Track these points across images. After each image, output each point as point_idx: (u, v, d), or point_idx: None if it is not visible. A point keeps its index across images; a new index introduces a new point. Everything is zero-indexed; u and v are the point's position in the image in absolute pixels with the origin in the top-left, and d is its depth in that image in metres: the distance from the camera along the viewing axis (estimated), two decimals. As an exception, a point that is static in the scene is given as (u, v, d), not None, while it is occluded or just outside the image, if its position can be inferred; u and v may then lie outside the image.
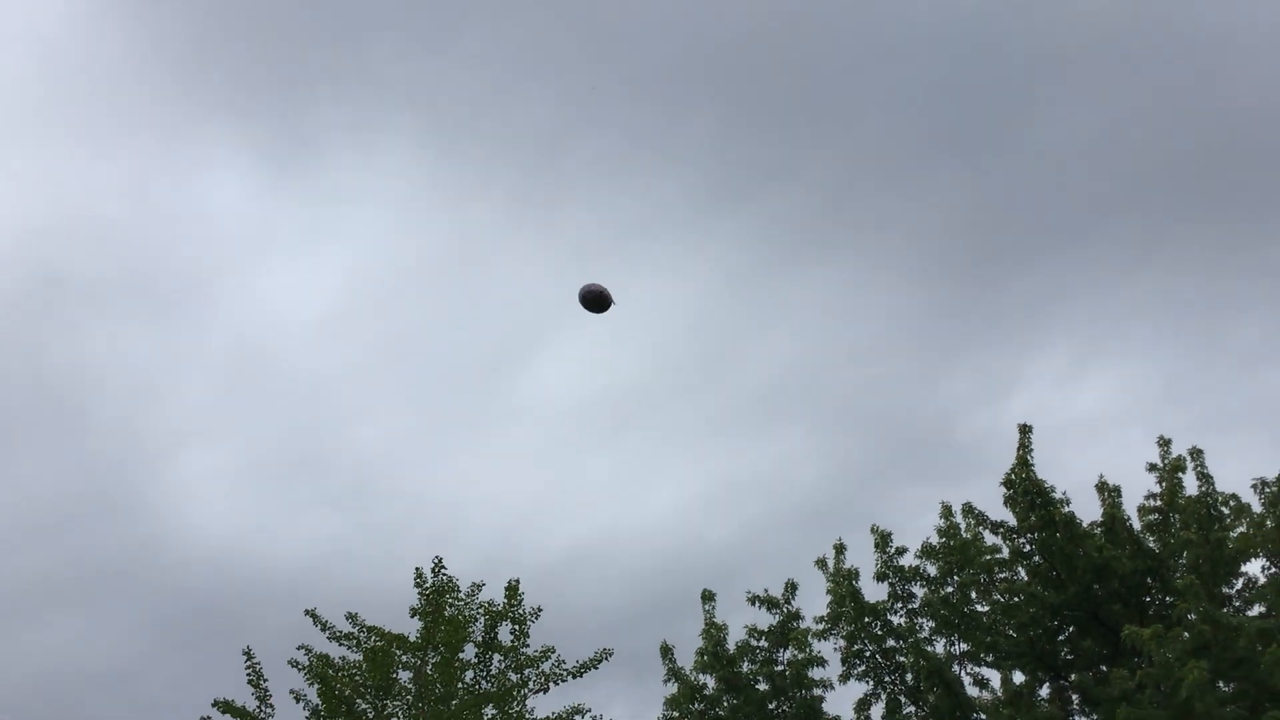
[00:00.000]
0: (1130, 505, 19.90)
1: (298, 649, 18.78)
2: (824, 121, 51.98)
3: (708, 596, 20.55)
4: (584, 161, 51.72)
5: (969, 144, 51.19)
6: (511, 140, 50.87)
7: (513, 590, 19.15)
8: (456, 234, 51.77)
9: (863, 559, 20.37)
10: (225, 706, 18.13)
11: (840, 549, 20.47)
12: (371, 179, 51.53)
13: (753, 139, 52.46)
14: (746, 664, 19.91)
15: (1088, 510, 19.64)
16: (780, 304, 51.03)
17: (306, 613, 18.75)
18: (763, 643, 20.16)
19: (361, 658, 18.55)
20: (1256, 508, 19.83)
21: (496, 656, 18.79)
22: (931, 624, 19.87)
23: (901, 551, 20.16)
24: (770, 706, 19.57)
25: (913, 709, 19.56)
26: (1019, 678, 19.87)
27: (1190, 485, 19.79)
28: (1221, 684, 17.70)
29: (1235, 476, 25.30)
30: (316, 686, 18.46)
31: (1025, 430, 19.53)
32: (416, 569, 19.23)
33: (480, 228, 51.46)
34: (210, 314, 49.07)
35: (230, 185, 49.98)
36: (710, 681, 19.98)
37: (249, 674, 18.47)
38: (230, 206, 50.33)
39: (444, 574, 19.28)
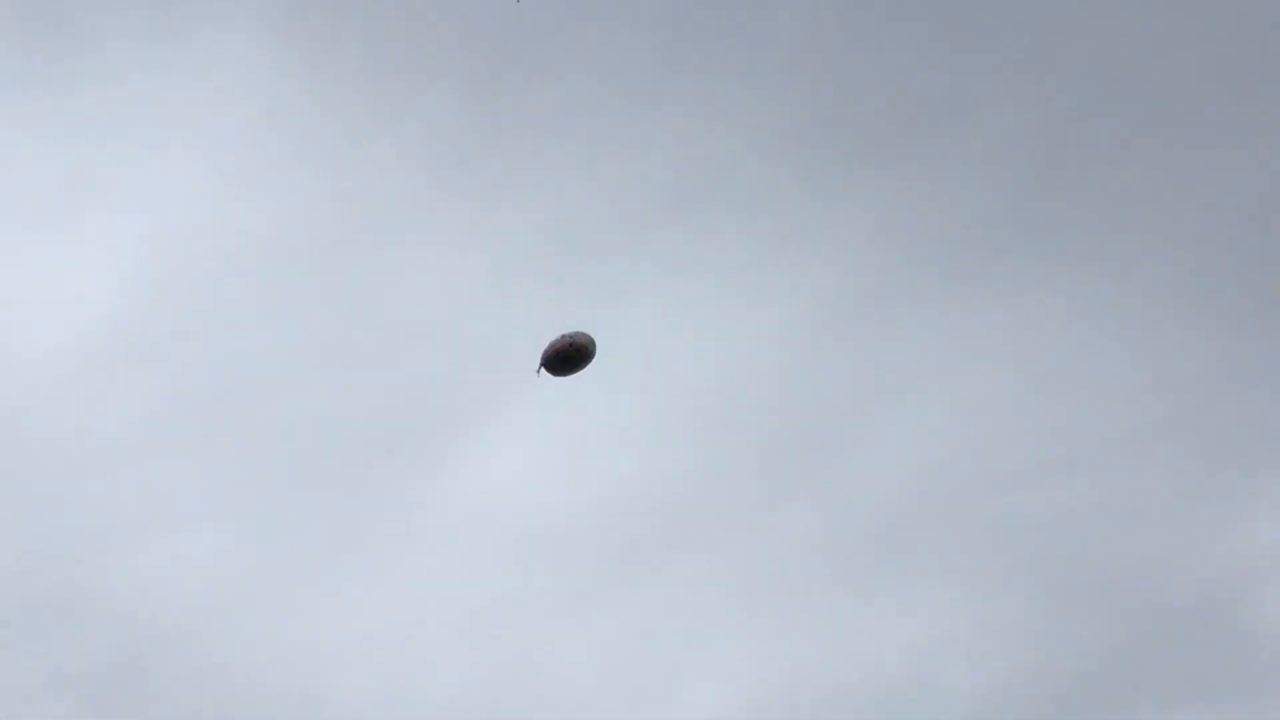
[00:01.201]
0: None
1: None
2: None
3: None
4: (564, 95, 37.75)
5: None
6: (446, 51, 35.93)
7: None
8: (337, 202, 37.32)
9: None
10: None
11: None
12: (180, 100, 35.92)
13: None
14: None
15: None
16: (910, 355, 38.62)
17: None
18: None
19: None
20: None
21: None
22: None
23: None
24: None
25: None
26: None
27: None
28: None
29: None
30: None
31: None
32: None
33: (379, 192, 37.48)
34: None
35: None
36: None
37: None
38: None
39: None
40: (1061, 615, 36.72)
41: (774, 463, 38.33)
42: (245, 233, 37.54)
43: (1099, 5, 39.94)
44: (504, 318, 35.84)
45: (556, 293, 35.94)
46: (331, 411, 37.85)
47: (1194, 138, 39.15)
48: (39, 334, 35.65)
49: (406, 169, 35.96)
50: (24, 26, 35.45)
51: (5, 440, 34.70)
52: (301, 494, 37.31)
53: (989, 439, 38.69)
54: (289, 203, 38.44)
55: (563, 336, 18.43)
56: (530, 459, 37.18)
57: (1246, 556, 35.95)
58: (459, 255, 37.68)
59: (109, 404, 35.39)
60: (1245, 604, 35.95)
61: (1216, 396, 37.89)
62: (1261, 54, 38.56)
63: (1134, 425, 37.70)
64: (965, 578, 37.43)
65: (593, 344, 18.57)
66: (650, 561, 37.25)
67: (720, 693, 35.99)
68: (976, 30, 40.18)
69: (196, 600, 35.56)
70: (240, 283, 37.94)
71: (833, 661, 36.17)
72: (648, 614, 36.79)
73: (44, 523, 34.01)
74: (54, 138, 36.27)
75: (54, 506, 34.15)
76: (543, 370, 18.56)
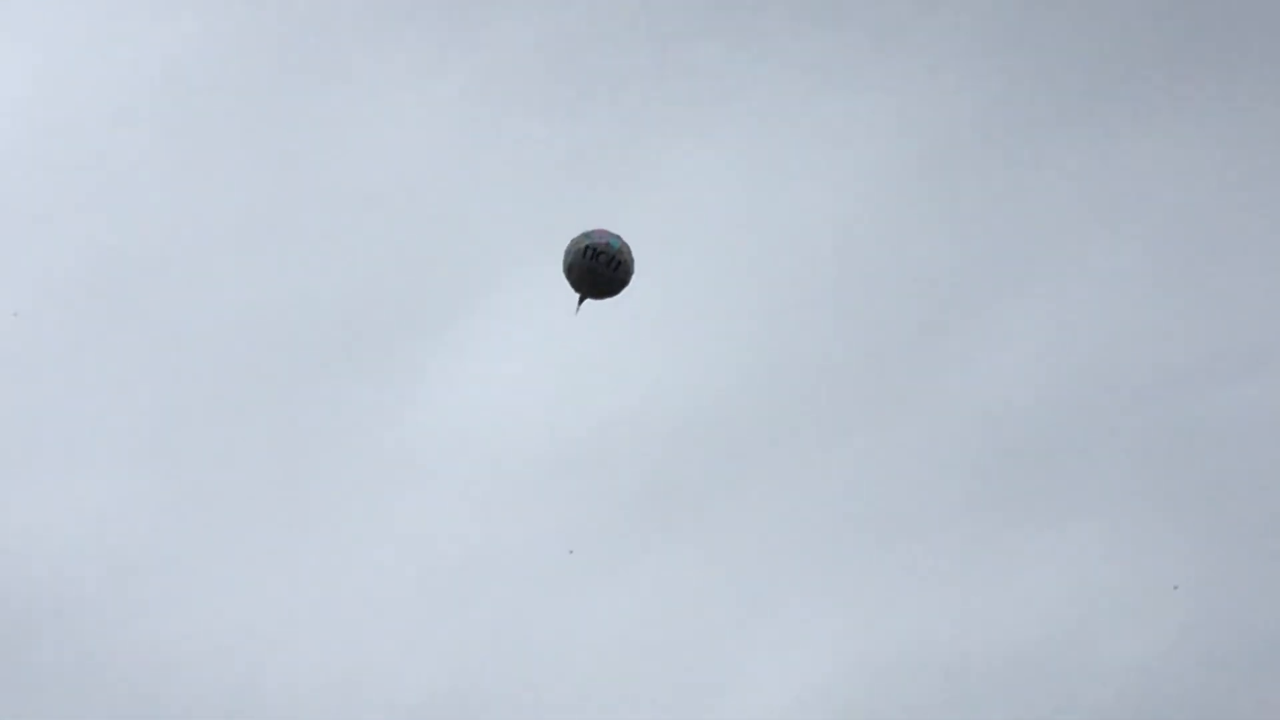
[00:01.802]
0: None
1: None
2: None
3: None
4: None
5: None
6: None
7: None
8: (267, 26, 33.78)
9: None
10: None
11: None
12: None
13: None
14: None
15: None
16: (1043, 211, 36.20)
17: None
18: None
19: None
20: None
21: None
22: None
23: None
24: None
25: None
26: None
27: None
28: None
29: None
30: None
31: None
32: None
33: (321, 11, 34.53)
34: None
35: None
36: None
37: None
38: None
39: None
40: (1259, 561, 30.97)
41: (856, 365, 33.64)
42: (152, 62, 31.82)
43: None
44: (489, 168, 31.39)
45: (558, 133, 31.34)
46: (264, 305, 32.89)
47: None
48: None
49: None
50: None
51: None
52: (225, 415, 32.30)
53: (1154, 324, 33.77)
54: (205, 22, 32.63)
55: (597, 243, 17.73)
56: (530, 365, 32.28)
57: None
58: (429, 87, 32.42)
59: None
60: None
61: None
62: None
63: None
64: (1125, 513, 32.11)
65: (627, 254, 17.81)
66: (691, 499, 32.24)
67: (788, 673, 31.05)
68: None
69: (85, 561, 30.53)
70: (143, 128, 32.20)
71: (941, 627, 32.10)
72: (688, 569, 31.49)
73: None
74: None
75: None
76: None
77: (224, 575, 31.13)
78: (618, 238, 20.90)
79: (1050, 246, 34.57)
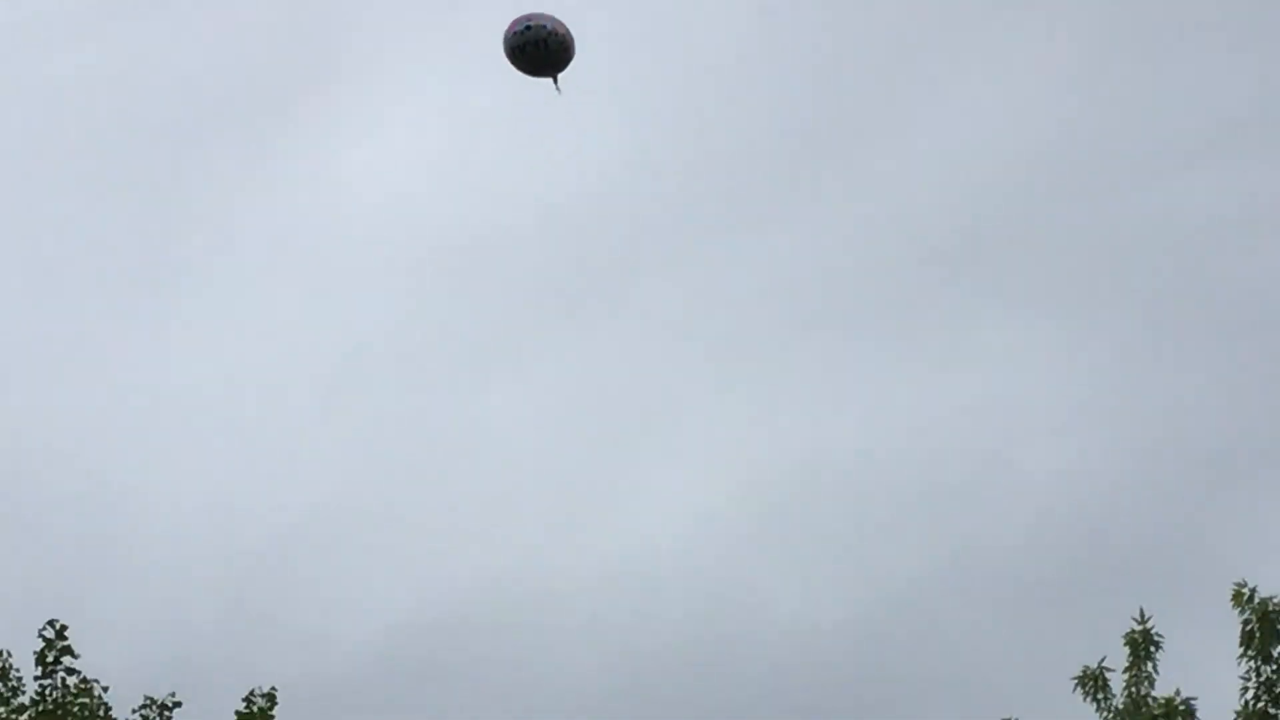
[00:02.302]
0: None
1: None
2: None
3: None
4: None
5: None
6: None
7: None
8: None
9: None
10: None
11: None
12: None
13: None
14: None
15: None
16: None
17: None
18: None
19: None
20: None
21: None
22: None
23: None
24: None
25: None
26: None
27: None
28: None
29: None
30: None
31: None
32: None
33: None
34: None
35: None
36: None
37: None
38: None
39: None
40: (1191, 366, 29.58)
41: (781, 159, 32.00)
42: None
43: None
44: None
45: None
46: (124, 72, 29.85)
47: None
48: None
49: None
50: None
51: None
52: (81, 190, 30.34)
53: (1081, 115, 32.07)
54: None
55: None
56: (425, 146, 30.09)
57: None
58: None
59: None
60: None
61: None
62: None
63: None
64: (1051, 311, 30.63)
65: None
66: (604, 290, 31.33)
67: (697, 474, 30.31)
68: None
69: None
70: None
71: (857, 433, 30.05)
72: (588, 367, 30.39)
73: None
74: None
75: None
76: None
77: (80, 365, 29.38)
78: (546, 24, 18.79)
79: (984, 31, 32.91)
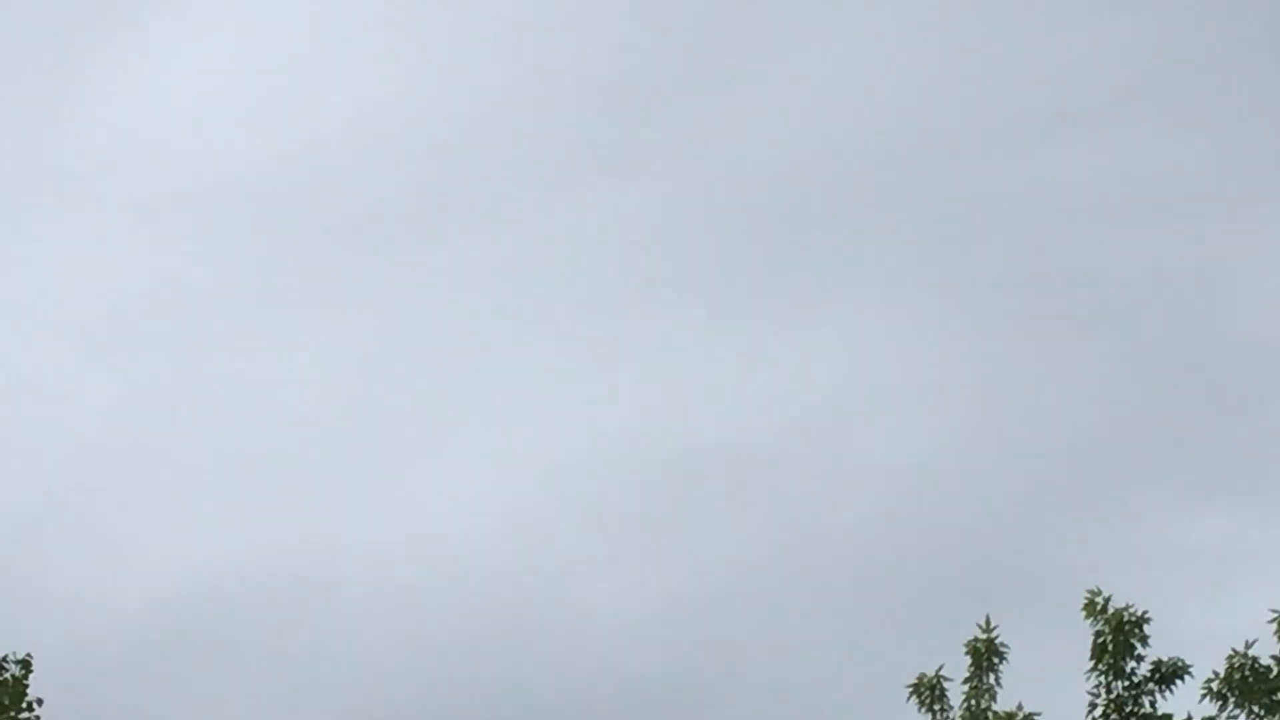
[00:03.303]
0: None
1: None
2: None
3: None
4: None
5: None
6: None
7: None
8: None
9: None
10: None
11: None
12: None
13: None
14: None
15: None
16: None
17: None
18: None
19: None
20: None
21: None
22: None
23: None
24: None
25: None
26: None
27: None
28: None
29: None
30: None
31: None
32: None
33: None
34: None
35: None
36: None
37: None
38: None
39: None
40: (1052, 352, 29.46)
41: (627, 108, 30.79)
42: None
43: None
44: None
45: None
46: None
47: None
48: None
49: None
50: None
51: None
52: None
53: (949, 79, 31.89)
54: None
55: None
56: (221, 69, 29.52)
57: None
58: None
59: None
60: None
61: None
62: None
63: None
64: (903, 285, 30.17)
65: None
66: (420, 234, 30.39)
67: (507, 444, 29.58)
68: None
69: None
70: None
71: (684, 408, 29.43)
72: (407, 317, 30.00)
73: None
74: None
75: None
76: None
77: None
78: None
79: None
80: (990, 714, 15.68)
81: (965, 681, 15.72)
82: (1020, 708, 15.50)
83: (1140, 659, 15.57)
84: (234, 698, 24.94)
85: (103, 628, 25.34)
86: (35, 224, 30.10)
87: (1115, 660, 15.40)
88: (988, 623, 15.77)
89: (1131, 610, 15.20)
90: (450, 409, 29.67)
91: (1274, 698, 15.54)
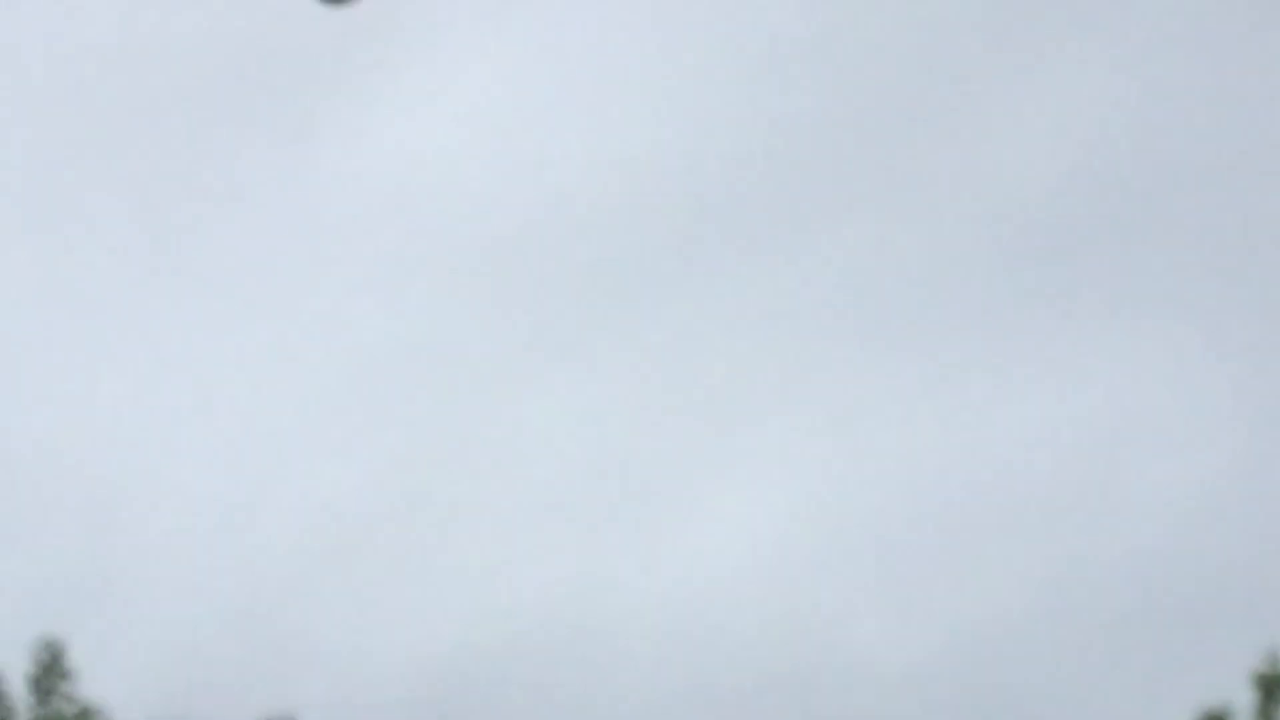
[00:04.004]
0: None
1: None
2: None
3: None
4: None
5: None
6: None
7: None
8: None
9: None
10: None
11: None
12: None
13: None
14: None
15: None
16: None
17: None
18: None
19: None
20: None
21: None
22: None
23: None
24: None
25: None
26: None
27: None
28: None
29: None
30: None
31: None
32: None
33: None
34: None
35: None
36: None
37: None
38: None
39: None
40: None
41: (849, 142, 30.83)
42: None
43: None
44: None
45: None
46: (122, 26, 29.68)
47: None
48: None
49: None
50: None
51: None
52: (84, 169, 30.38)
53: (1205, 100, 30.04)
54: None
55: None
56: (467, 118, 29.69)
57: None
58: None
59: None
60: None
61: None
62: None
63: None
64: (1167, 317, 30.21)
65: None
66: (666, 284, 30.29)
67: (767, 491, 31.05)
68: None
69: None
70: None
71: (946, 451, 29.84)
72: (661, 366, 29.87)
73: None
74: None
75: None
76: None
77: (83, 362, 29.68)
78: None
79: (1078, 12, 32.63)
80: (1279, 747, 16.07)
81: (1254, 715, 16.06)
82: (1311, 740, 15.86)
83: None
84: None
85: (371, 686, 26.41)
86: (308, 280, 31.49)
87: None
88: (1276, 654, 16.10)
89: None
90: (715, 454, 30.57)
91: None
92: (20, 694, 17.21)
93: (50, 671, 17.07)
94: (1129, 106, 32.45)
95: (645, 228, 31.18)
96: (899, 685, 27.80)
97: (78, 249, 30.11)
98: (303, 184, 31.10)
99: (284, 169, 30.89)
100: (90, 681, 17.28)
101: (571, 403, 30.06)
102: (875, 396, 30.34)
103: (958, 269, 32.04)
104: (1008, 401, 30.23)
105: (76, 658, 17.31)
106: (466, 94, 31.51)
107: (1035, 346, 30.81)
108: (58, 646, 17.07)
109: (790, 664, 27.69)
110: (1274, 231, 32.09)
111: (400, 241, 30.83)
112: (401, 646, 27.39)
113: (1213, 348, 30.41)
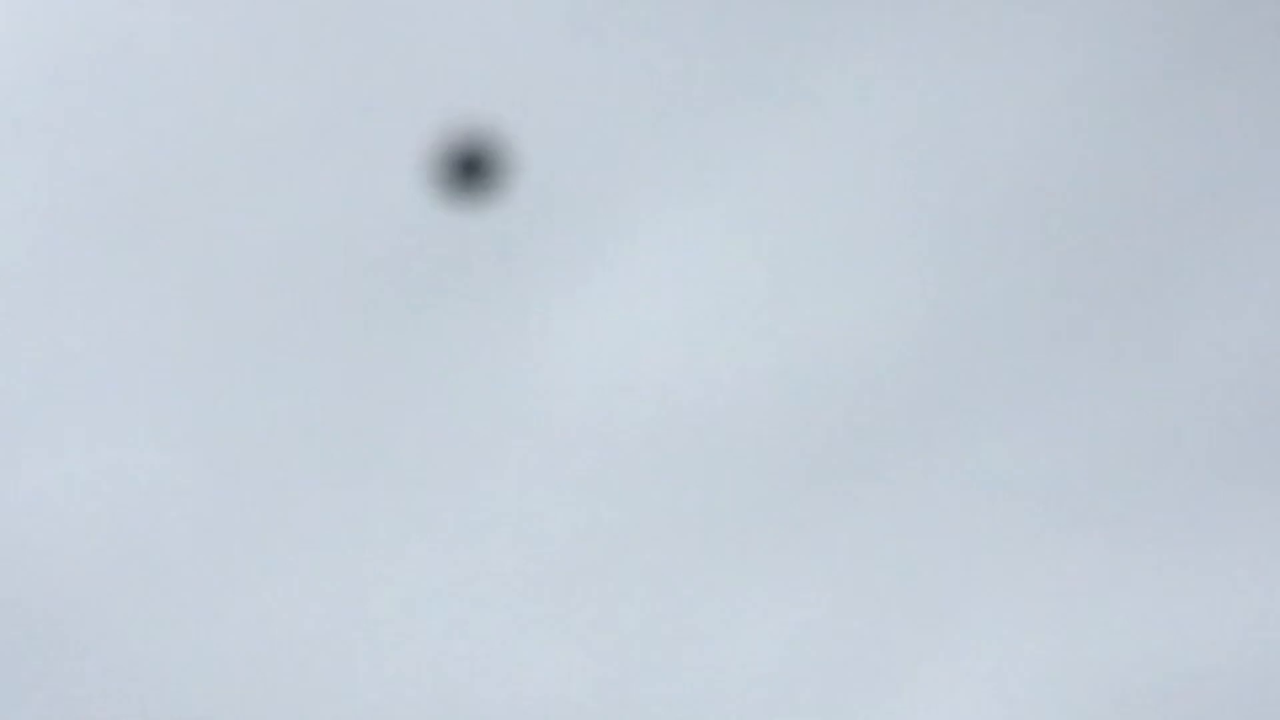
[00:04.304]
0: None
1: None
2: None
3: None
4: None
5: None
6: None
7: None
8: None
9: None
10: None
11: None
12: None
13: None
14: None
15: None
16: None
17: None
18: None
19: None
20: None
21: None
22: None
23: None
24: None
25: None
26: None
27: None
28: None
29: None
30: None
31: None
32: None
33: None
34: None
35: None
36: None
37: None
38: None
39: None
40: None
41: (1061, 309, 26.91)
42: None
43: None
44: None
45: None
46: (318, 221, 28.36)
47: None
48: None
49: None
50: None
51: None
52: (270, 367, 28.40)
53: None
54: None
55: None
56: (672, 311, 26.54)
57: None
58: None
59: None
60: None
61: None
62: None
63: None
64: None
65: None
66: (861, 474, 27.30)
67: (971, 693, 25.85)
68: None
69: (90, 554, 26.92)
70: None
71: (1205, 644, 25.43)
72: (866, 554, 26.12)
73: None
74: None
75: None
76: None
77: (271, 575, 28.00)
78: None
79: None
80: None
81: None
82: None
83: None
84: None
85: None
86: (487, 475, 29.76)
87: None
88: None
89: None
90: (923, 652, 28.33)
91: None
92: None
93: None
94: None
95: (829, 414, 29.27)
96: None
97: (256, 441, 28.82)
98: (505, 373, 29.69)
99: (487, 358, 29.47)
100: None
101: (775, 594, 28.15)
102: (1116, 586, 27.99)
103: (1180, 445, 29.63)
104: (1238, 590, 27.62)
105: None
106: (655, 285, 29.94)
107: (1259, 529, 28.12)
108: None
109: None
110: None
111: (582, 436, 29.22)
112: None
113: None
